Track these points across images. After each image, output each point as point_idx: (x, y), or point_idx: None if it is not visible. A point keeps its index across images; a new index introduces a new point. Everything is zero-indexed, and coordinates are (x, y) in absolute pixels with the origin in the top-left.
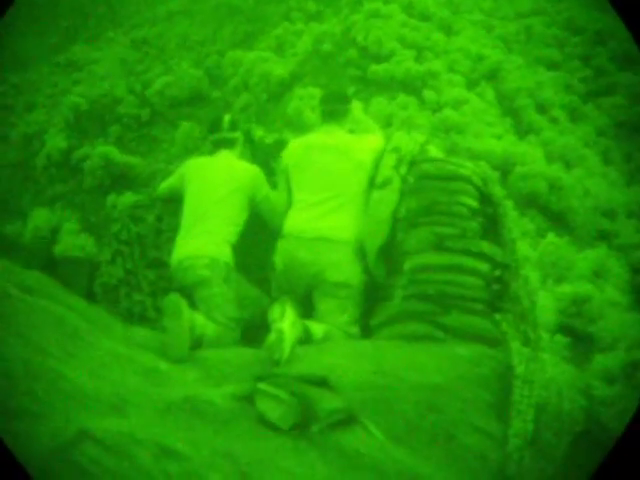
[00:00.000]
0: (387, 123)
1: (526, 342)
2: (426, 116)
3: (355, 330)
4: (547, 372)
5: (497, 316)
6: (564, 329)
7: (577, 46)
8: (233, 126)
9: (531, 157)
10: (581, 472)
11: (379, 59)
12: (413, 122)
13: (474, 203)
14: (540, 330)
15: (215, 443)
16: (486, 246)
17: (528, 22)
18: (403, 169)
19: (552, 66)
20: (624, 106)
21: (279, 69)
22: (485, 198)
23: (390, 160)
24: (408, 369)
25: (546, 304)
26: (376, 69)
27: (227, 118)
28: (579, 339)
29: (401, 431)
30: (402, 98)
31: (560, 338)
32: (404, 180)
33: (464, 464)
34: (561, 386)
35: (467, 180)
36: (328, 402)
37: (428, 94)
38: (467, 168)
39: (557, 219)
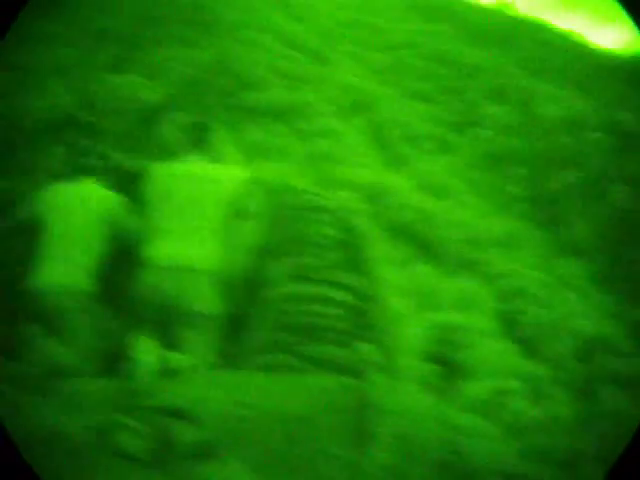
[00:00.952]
0: (257, 152)
1: (388, 372)
2: (296, 146)
3: (218, 361)
4: (408, 402)
5: (359, 346)
6: (432, 357)
7: (446, 77)
8: (99, 153)
9: (401, 188)
10: None
11: (252, 87)
12: (283, 151)
13: (336, 234)
14: (404, 359)
15: (73, 477)
16: (348, 277)
17: (400, 54)
18: (267, 199)
19: (423, 98)
20: (492, 138)
21: (150, 95)
22: (348, 229)
23: (255, 190)
24: (271, 400)
25: (414, 332)
26: (248, 97)
27: (93, 144)
28: (447, 367)
29: (263, 463)
30: (273, 127)
31: (428, 366)
32: (268, 211)
33: None
34: (421, 416)
35: (329, 211)
36: (188, 434)
37: (299, 123)
38: (329, 199)
39: (426, 248)
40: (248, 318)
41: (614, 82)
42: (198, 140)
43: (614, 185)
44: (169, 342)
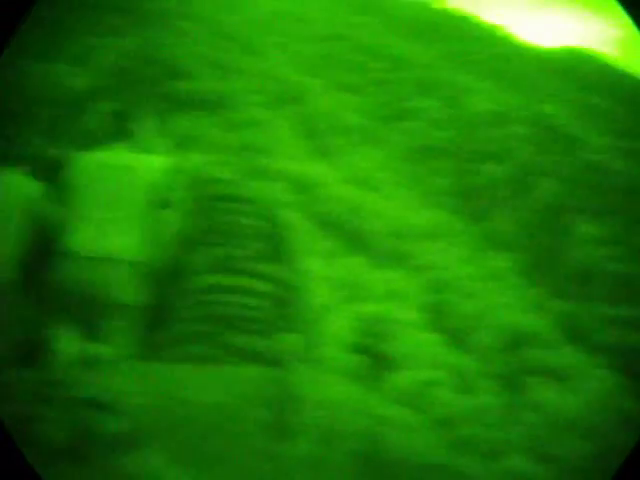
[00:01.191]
0: (183, 142)
1: (310, 363)
2: (224, 136)
3: (140, 352)
4: (329, 393)
5: (281, 337)
6: (359, 349)
7: (375, 70)
8: (23, 140)
9: (329, 179)
10: None
11: (180, 77)
12: (210, 141)
13: (260, 225)
14: (329, 350)
15: None
16: (271, 268)
17: (329, 46)
18: (190, 190)
19: (351, 90)
20: (420, 131)
21: (77, 82)
22: (272, 220)
23: (178, 180)
24: (192, 391)
25: (341, 324)
26: (177, 87)
27: (17, 132)
28: (374, 359)
29: (184, 454)
30: (201, 117)
31: (354, 358)
32: (191, 201)
33: None
34: (343, 407)
35: (253, 202)
36: (109, 426)
37: (227, 114)
38: (255, 190)
39: (354, 240)
40: (170, 309)
41: (541, 76)
42: (123, 129)
43: (539, 179)
44: (90, 332)
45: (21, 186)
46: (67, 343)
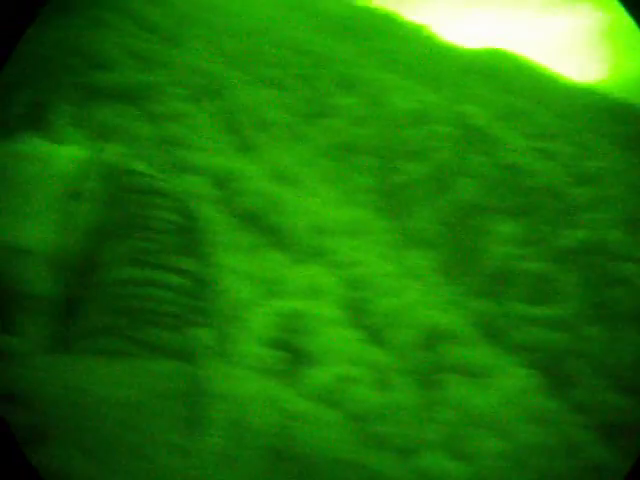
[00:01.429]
0: (102, 133)
1: (224, 357)
2: (145, 128)
3: (51, 344)
4: (242, 388)
5: (194, 332)
6: (277, 344)
7: (299, 66)
8: None
9: (250, 174)
10: None
11: (101, 67)
12: (130, 133)
13: (177, 219)
14: (245, 345)
15: None
16: (186, 262)
17: (253, 40)
18: (107, 181)
19: (274, 85)
20: (343, 128)
21: None
22: (190, 214)
23: (94, 172)
24: (103, 385)
25: (259, 319)
26: (97, 77)
27: None
28: (292, 354)
29: (95, 449)
30: (122, 108)
31: (272, 353)
32: (106, 192)
33: None
34: (256, 402)
35: (171, 195)
36: (20, 418)
37: (149, 105)
38: (173, 183)
39: (275, 236)
40: (83, 301)
41: (462, 77)
42: (40, 119)
43: (459, 178)
44: (1, 324)
45: None
46: None
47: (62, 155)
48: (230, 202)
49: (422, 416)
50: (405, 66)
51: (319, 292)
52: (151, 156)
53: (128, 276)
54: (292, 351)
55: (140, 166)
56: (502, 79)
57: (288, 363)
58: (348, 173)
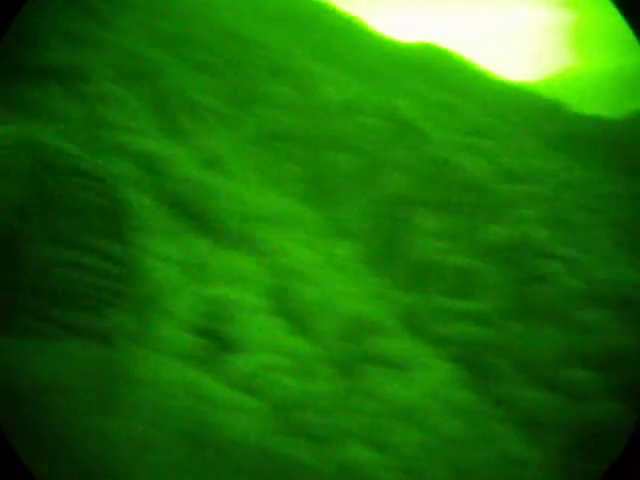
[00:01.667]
0: (28, 111)
1: (143, 342)
2: (73, 108)
3: None
4: (160, 372)
5: (112, 315)
6: (200, 330)
7: (231, 52)
8: None
9: (179, 159)
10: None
11: (32, 46)
12: (58, 113)
13: (100, 201)
14: (167, 330)
15: None
16: (107, 244)
17: (186, 24)
18: (31, 160)
19: (206, 71)
20: (272, 116)
21: None
22: (112, 196)
23: (18, 150)
24: (19, 368)
25: (183, 304)
26: (28, 56)
27: None
28: (215, 341)
29: (10, 434)
30: (50, 87)
31: (195, 339)
32: (30, 171)
33: None
34: (174, 387)
35: (93, 176)
36: None
37: (78, 86)
38: (96, 164)
39: (201, 222)
40: (2, 282)
41: (395, 70)
42: None
43: (386, 170)
44: None
45: None
46: None
47: None
48: (157, 186)
49: (344, 406)
50: (337, 57)
51: (244, 280)
52: (78, 137)
53: (48, 256)
54: (215, 338)
55: (66, 146)
56: (434, 74)
57: (211, 350)
58: (277, 161)
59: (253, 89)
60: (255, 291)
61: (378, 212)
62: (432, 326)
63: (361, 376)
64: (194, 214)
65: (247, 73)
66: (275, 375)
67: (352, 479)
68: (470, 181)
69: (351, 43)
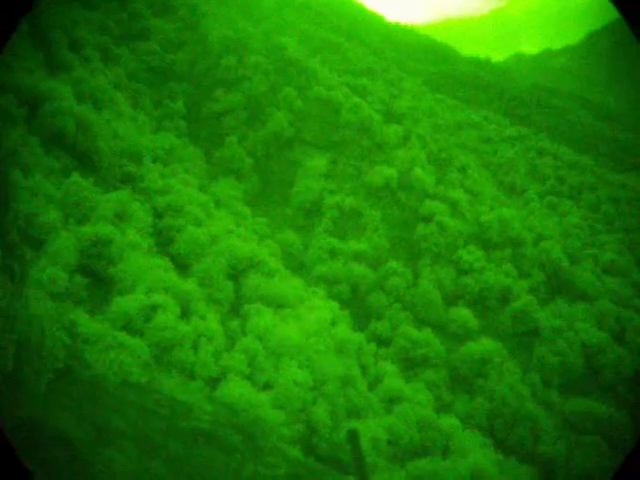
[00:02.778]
0: None
1: (11, 277)
2: None
3: None
4: (30, 308)
5: None
6: (84, 270)
7: None
8: None
9: (60, 94)
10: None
11: None
12: None
13: None
14: (47, 269)
15: None
16: None
17: None
18: None
19: (90, 5)
20: (157, 52)
21: None
22: None
23: None
24: None
25: (67, 244)
26: None
27: None
28: (97, 280)
29: None
30: None
31: (79, 279)
32: None
33: None
34: (44, 323)
35: None
36: None
37: None
38: None
39: (83, 159)
40: None
41: (279, 9)
42: None
43: (272, 110)
44: None
45: None
46: None
47: None
48: (37, 123)
49: (226, 345)
50: None
51: (125, 218)
52: None
53: None
54: (96, 277)
55: None
56: (318, 14)
57: (91, 289)
58: (161, 99)
59: (137, 25)
60: (137, 230)
61: (263, 151)
62: (316, 265)
63: (243, 315)
64: (76, 152)
65: (133, 9)
66: (157, 314)
67: (234, 418)
68: (354, 122)
69: None
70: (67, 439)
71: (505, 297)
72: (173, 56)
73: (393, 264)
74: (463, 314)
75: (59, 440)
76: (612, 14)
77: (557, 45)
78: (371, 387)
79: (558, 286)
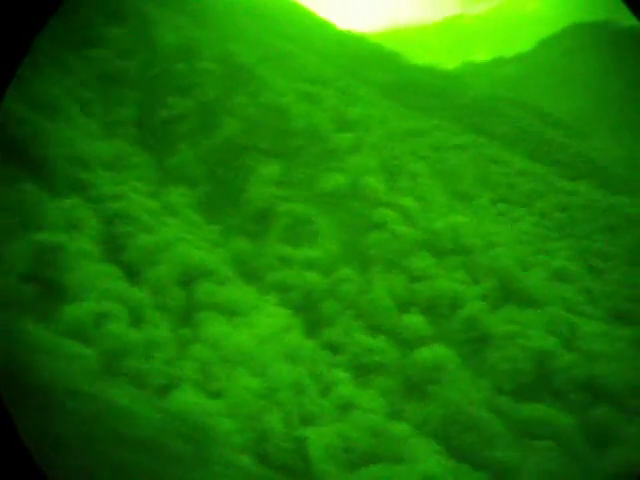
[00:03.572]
0: None
1: None
2: None
3: None
4: None
5: None
6: (34, 278)
7: None
8: None
9: (11, 104)
10: None
11: None
12: None
13: None
14: None
15: None
16: None
17: None
18: None
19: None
20: (108, 59)
21: None
22: None
23: None
24: None
25: (14, 251)
26: None
27: None
28: (47, 288)
29: None
30: None
31: (29, 287)
32: None
33: None
34: None
35: None
36: None
37: None
38: None
39: (34, 167)
40: None
41: (231, 16)
42: None
43: (223, 116)
44: None
45: None
46: None
47: None
48: None
49: (177, 353)
50: (176, 1)
51: (76, 226)
52: None
53: None
54: (46, 285)
55: None
56: (273, 22)
57: (40, 297)
58: (111, 105)
59: (89, 32)
60: (87, 237)
61: (214, 158)
62: (267, 273)
63: (194, 323)
64: (26, 159)
65: (84, 15)
66: (107, 322)
67: (183, 426)
68: (306, 129)
69: None
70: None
71: (457, 304)
72: (124, 62)
73: (345, 271)
74: (415, 321)
75: None
76: (563, 22)
77: (509, 53)
78: (324, 394)
79: (509, 292)
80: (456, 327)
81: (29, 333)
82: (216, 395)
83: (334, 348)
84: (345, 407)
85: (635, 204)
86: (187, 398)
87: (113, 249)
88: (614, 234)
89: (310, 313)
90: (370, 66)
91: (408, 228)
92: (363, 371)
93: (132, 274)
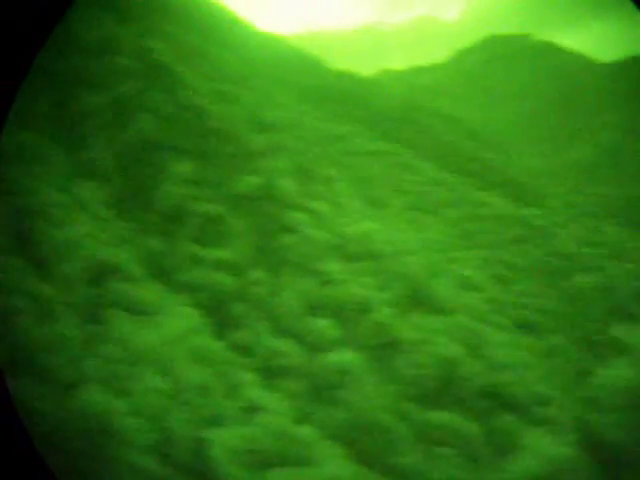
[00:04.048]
0: None
1: None
2: None
3: None
4: None
5: None
6: None
7: None
8: None
9: None
10: None
11: None
12: None
13: None
14: None
15: None
16: None
17: None
18: None
19: None
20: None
21: None
22: None
23: None
24: None
25: None
26: None
27: None
28: None
29: None
30: None
31: None
32: None
33: None
34: None
35: None
36: None
37: None
38: None
39: None
40: None
41: (149, 12)
42: None
43: (138, 113)
44: None
45: None
46: None
47: None
48: None
49: (84, 351)
50: None
51: None
52: None
53: None
54: None
55: None
56: (191, 19)
57: None
58: (23, 98)
59: None
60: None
61: (127, 155)
62: (177, 272)
63: (102, 321)
64: None
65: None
66: (14, 318)
67: (88, 425)
68: (222, 129)
69: None
70: None
71: (365, 309)
72: (38, 55)
73: (256, 273)
74: (324, 325)
75: None
76: (480, 33)
77: (426, 62)
78: (230, 396)
79: (417, 299)
80: (364, 332)
81: None
82: (121, 394)
83: (242, 350)
84: (251, 409)
85: (545, 216)
86: (92, 396)
87: (23, 244)
88: (522, 245)
89: (219, 314)
90: (288, 69)
91: (320, 232)
92: (270, 374)
93: (40, 269)
